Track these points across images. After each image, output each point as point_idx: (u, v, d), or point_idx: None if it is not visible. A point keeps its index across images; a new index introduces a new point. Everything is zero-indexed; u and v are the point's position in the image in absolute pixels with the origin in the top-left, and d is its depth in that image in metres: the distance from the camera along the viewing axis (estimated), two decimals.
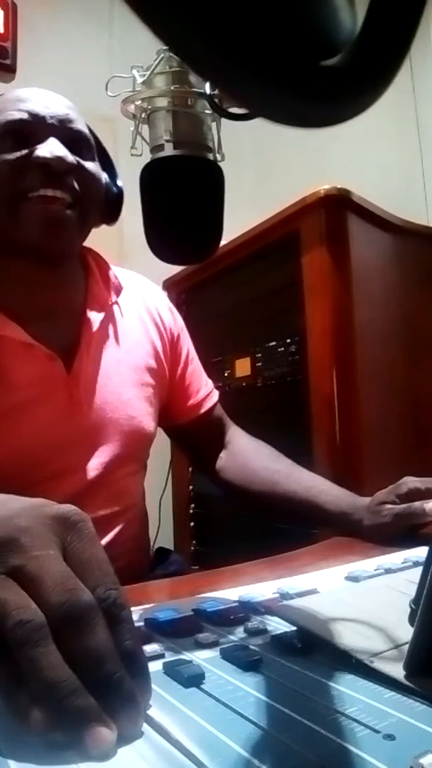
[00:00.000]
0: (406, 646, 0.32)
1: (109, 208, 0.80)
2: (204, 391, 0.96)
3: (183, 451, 1.17)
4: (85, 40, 1.96)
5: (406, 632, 0.33)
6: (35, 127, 0.70)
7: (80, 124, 0.74)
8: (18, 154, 0.69)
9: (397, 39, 0.20)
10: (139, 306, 0.89)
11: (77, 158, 0.71)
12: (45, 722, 0.27)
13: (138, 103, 0.55)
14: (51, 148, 0.68)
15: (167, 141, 0.55)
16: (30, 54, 1.87)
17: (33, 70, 1.84)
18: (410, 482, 0.73)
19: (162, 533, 0.99)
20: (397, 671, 0.32)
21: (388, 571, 0.52)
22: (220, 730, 0.27)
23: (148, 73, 0.53)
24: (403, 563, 0.54)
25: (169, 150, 0.55)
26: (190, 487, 1.73)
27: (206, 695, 0.31)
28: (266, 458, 0.93)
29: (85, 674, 0.28)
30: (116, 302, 0.84)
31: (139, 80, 0.54)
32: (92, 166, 0.74)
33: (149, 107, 0.55)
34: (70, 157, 0.69)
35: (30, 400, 0.74)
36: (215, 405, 0.97)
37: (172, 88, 0.53)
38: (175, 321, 0.95)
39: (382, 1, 0.20)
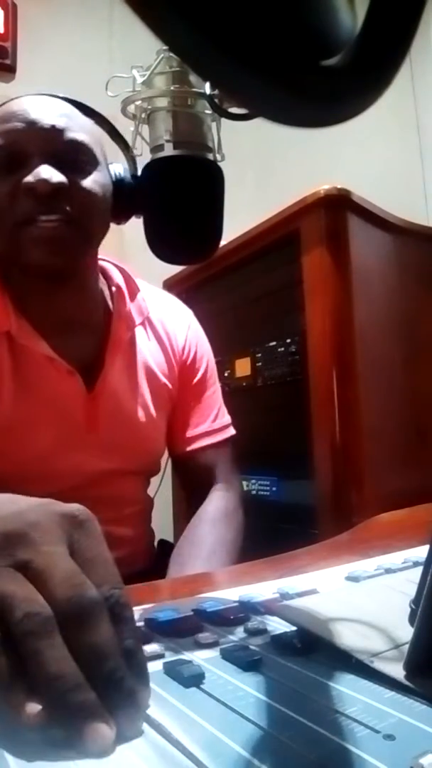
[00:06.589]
0: (406, 646, 0.32)
1: (124, 204, 0.74)
2: (202, 428, 0.91)
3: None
4: (85, 40, 1.96)
5: (406, 632, 0.33)
6: (21, 150, 0.68)
7: (73, 132, 0.70)
8: (9, 180, 0.68)
9: (397, 39, 0.20)
10: (161, 329, 0.90)
11: (68, 176, 0.68)
12: (39, 715, 0.27)
13: (138, 103, 0.56)
14: (37, 171, 0.67)
15: (167, 141, 0.55)
16: (30, 54, 1.87)
17: (33, 70, 1.84)
18: None
19: (162, 532, 0.99)
20: (397, 671, 0.32)
21: (388, 571, 0.52)
22: (220, 730, 0.27)
23: (148, 73, 0.53)
24: (403, 563, 0.54)
25: (169, 150, 0.55)
26: None
27: (206, 695, 0.31)
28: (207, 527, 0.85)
29: (87, 670, 0.28)
30: (142, 324, 0.85)
31: (139, 80, 0.54)
32: (88, 179, 0.70)
33: (149, 107, 0.55)
34: (56, 178, 0.67)
35: (48, 413, 0.75)
36: (208, 447, 0.91)
37: (172, 88, 0.53)
38: (190, 348, 0.92)
39: (382, 1, 0.20)
